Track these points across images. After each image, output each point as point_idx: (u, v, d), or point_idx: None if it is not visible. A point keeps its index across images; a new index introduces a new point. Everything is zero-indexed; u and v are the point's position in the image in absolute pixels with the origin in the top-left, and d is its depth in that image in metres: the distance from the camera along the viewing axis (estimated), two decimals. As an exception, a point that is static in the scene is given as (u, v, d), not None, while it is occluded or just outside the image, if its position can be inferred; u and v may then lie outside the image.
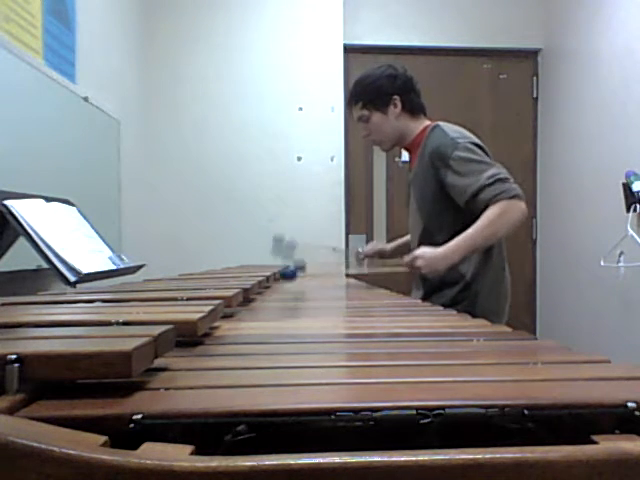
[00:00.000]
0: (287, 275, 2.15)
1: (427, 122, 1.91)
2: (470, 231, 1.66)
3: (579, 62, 3.50)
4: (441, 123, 1.86)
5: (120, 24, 3.09)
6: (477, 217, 1.67)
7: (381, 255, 2.21)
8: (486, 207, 1.65)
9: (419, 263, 1.70)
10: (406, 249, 1.95)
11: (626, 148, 3.03)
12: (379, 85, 1.85)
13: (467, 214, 1.71)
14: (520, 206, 1.66)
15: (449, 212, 1.78)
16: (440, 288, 1.83)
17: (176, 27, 3.49)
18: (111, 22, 2.95)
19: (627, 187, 2.90)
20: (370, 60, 3.76)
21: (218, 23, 3.51)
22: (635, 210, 2.89)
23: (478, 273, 1.81)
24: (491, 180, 1.66)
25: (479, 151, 1.74)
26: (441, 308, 1.19)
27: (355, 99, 1.89)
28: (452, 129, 1.82)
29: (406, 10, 3.76)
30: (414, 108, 1.89)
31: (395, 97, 1.85)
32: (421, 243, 1.81)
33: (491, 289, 1.83)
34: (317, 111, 3.54)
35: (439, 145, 1.75)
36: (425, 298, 1.81)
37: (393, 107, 1.86)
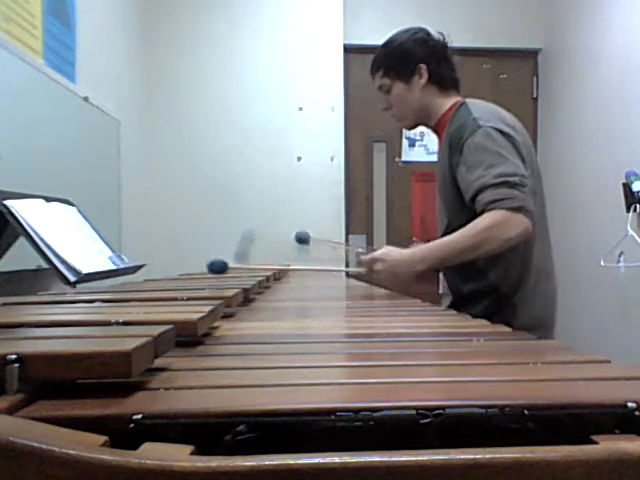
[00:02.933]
0: (215, 267, 1.52)
1: (457, 99, 1.60)
2: (447, 239, 1.40)
3: (579, 62, 3.50)
4: (469, 100, 1.56)
5: (120, 24, 3.09)
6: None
7: None
8: (482, 213, 1.38)
9: (377, 267, 1.43)
10: None
11: (626, 148, 3.03)
12: (404, 50, 1.58)
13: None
14: (521, 221, 1.36)
15: (469, 209, 1.47)
16: (468, 300, 1.56)
17: (176, 27, 3.49)
18: (111, 22, 2.95)
19: (627, 187, 2.90)
20: (370, 60, 3.76)
21: (218, 23, 3.51)
22: (635, 210, 2.89)
23: (514, 282, 1.52)
24: (498, 180, 1.37)
25: (501, 140, 1.42)
26: (441, 308, 1.19)
27: (376, 66, 1.65)
28: (480, 107, 1.51)
29: (406, 10, 3.75)
30: (443, 81, 1.59)
31: (421, 65, 1.57)
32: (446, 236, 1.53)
33: (533, 298, 1.53)
34: (317, 111, 3.54)
35: (459, 126, 1.47)
36: (453, 307, 1.52)
37: (418, 77, 1.57)
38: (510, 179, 1.37)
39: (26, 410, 0.40)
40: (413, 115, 1.62)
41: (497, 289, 1.52)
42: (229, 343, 0.74)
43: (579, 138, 3.49)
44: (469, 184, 1.41)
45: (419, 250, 1.42)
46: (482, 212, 1.37)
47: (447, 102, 1.59)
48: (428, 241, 1.48)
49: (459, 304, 1.57)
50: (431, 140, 3.82)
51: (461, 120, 1.48)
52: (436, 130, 1.63)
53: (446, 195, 1.55)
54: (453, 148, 1.46)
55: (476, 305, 1.52)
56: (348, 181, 3.68)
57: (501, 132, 1.43)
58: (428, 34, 1.60)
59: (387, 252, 1.44)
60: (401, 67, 1.59)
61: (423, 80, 1.57)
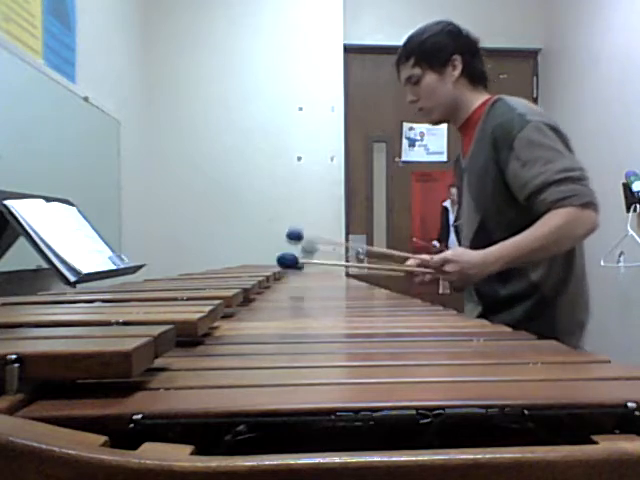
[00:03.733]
0: (287, 262, 1.47)
1: (487, 95, 1.55)
2: (519, 238, 1.33)
3: (579, 62, 3.50)
4: (505, 96, 1.51)
5: (120, 24, 3.09)
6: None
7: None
8: (547, 211, 1.32)
9: (450, 268, 1.37)
10: None
11: (626, 148, 3.03)
12: (438, 40, 1.52)
13: (532, 210, 1.38)
14: (591, 218, 1.32)
15: (512, 206, 1.42)
16: (507, 303, 1.45)
17: (176, 27, 3.50)
18: (111, 22, 2.95)
19: (627, 187, 2.90)
20: (370, 60, 3.76)
21: (218, 23, 3.51)
22: (635, 210, 2.89)
23: (558, 282, 1.44)
24: (561, 176, 1.31)
25: (552, 135, 1.38)
26: (441, 308, 1.19)
27: (406, 55, 1.55)
28: (520, 103, 1.46)
29: (406, 10, 3.75)
30: (475, 75, 1.53)
31: (455, 57, 1.50)
32: (475, 243, 1.47)
33: (573, 303, 1.46)
34: (317, 111, 3.54)
35: (503, 122, 1.40)
36: (485, 315, 1.45)
37: (451, 69, 1.50)
38: (572, 174, 1.33)
39: (26, 410, 0.40)
40: (442, 109, 1.54)
41: (539, 290, 1.43)
42: (229, 343, 0.74)
43: (579, 138, 3.48)
44: (526, 181, 1.34)
45: (491, 251, 1.35)
46: (547, 210, 1.32)
47: (478, 98, 1.53)
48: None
49: (493, 310, 1.46)
50: (431, 140, 3.82)
51: (504, 116, 1.41)
52: (463, 126, 1.56)
53: (482, 192, 1.47)
54: (499, 145, 1.39)
55: (515, 309, 1.43)
56: (348, 181, 3.68)
57: (550, 127, 1.39)
58: (458, 27, 1.56)
59: (459, 253, 1.40)
60: (435, 57, 1.51)
61: (457, 72, 1.51)
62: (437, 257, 1.40)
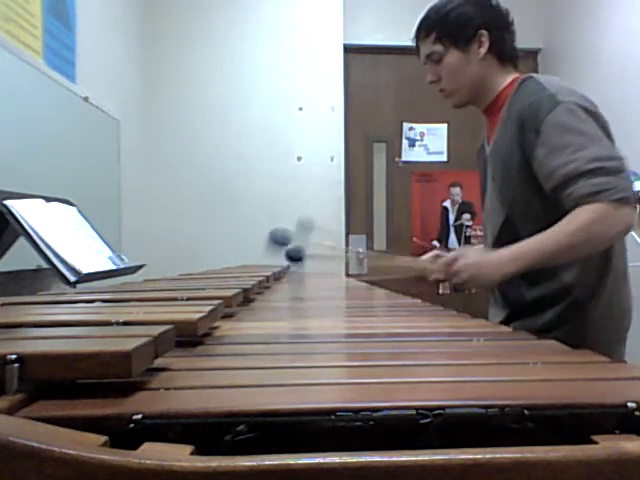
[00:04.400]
0: (293, 256, 1.38)
1: (516, 74, 1.37)
2: (541, 238, 1.16)
3: (579, 62, 3.50)
4: (537, 75, 1.34)
5: (120, 24, 3.09)
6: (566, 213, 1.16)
7: None
8: (575, 206, 1.14)
9: (459, 267, 1.22)
10: None
11: (626, 148, 3.03)
12: (463, 13, 1.33)
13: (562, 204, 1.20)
14: (627, 216, 1.15)
15: (539, 198, 1.24)
16: (535, 307, 1.29)
17: (176, 27, 3.50)
18: (111, 22, 2.95)
19: (627, 187, 2.90)
20: (370, 60, 3.76)
21: (218, 23, 3.51)
22: (635, 210, 2.88)
23: (592, 285, 1.27)
24: (593, 166, 1.14)
25: (588, 118, 1.20)
26: (441, 308, 1.19)
27: (427, 29, 1.36)
28: (553, 81, 1.28)
29: (406, 10, 3.75)
30: (505, 52, 1.36)
31: (482, 32, 1.33)
32: (501, 240, 1.31)
33: (611, 308, 1.28)
34: (317, 111, 3.54)
35: (531, 102, 1.23)
36: (511, 321, 1.32)
37: (477, 45, 1.33)
38: (608, 164, 1.15)
39: (26, 410, 0.40)
40: (467, 90, 1.37)
41: (571, 293, 1.26)
42: (229, 343, 0.74)
43: (579, 138, 3.50)
44: (552, 170, 1.17)
45: (508, 250, 1.20)
46: (575, 206, 1.15)
47: (506, 77, 1.35)
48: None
49: (519, 315, 1.31)
50: (431, 140, 3.82)
51: (533, 96, 1.24)
52: (488, 109, 1.39)
53: (507, 182, 1.30)
54: (526, 127, 1.22)
55: (543, 314, 1.27)
56: (348, 181, 3.68)
57: (586, 109, 1.21)
58: None
59: (470, 251, 1.28)
60: (459, 33, 1.33)
61: (483, 49, 1.33)
62: (444, 258, 1.26)
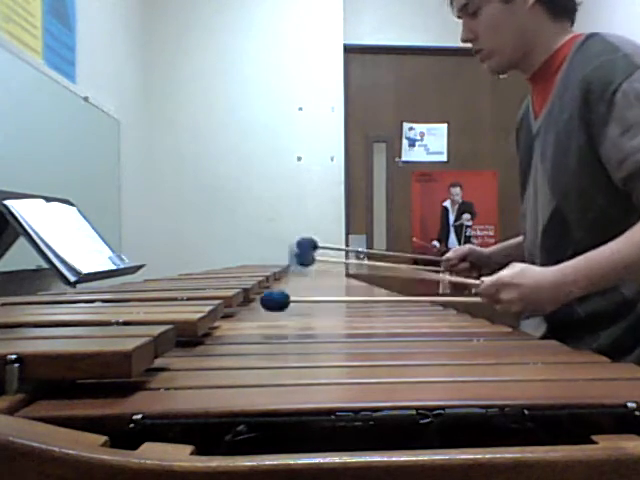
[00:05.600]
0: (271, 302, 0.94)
1: (573, 32, 1.10)
2: (610, 248, 0.90)
3: (579, 62, 3.50)
4: (604, 32, 1.04)
5: (120, 24, 3.09)
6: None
7: (472, 263, 1.40)
8: None
9: (507, 296, 0.89)
10: (513, 257, 1.11)
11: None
12: None
13: (632, 198, 0.95)
14: None
15: (602, 188, 0.99)
16: (587, 326, 1.03)
17: (176, 27, 3.49)
18: (111, 22, 2.95)
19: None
20: (370, 60, 3.76)
21: (218, 23, 3.51)
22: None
23: None
24: None
25: None
26: (441, 308, 1.19)
27: None
28: (627, 41, 1.00)
29: (406, 10, 3.75)
30: (558, 3, 1.08)
31: None
32: (547, 241, 1.08)
33: None
34: (317, 111, 3.54)
35: (601, 65, 0.96)
36: (554, 338, 0.91)
37: None
38: None
39: (26, 410, 0.40)
40: (510, 51, 1.10)
41: (635, 309, 1.02)
42: (229, 343, 0.74)
43: (579, 138, 3.49)
44: (628, 153, 0.92)
45: (569, 268, 0.91)
46: None
47: (562, 35, 1.09)
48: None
49: (566, 333, 0.94)
50: (431, 140, 3.82)
51: (603, 56, 0.97)
52: (537, 75, 1.12)
53: (562, 166, 1.04)
54: (593, 98, 0.96)
55: (597, 335, 1.02)
56: (348, 181, 3.68)
57: None
58: None
59: (518, 273, 0.90)
60: None
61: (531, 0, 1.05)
62: (488, 281, 0.91)
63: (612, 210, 0.98)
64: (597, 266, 0.90)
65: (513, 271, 0.91)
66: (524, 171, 1.18)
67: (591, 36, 1.04)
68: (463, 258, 1.39)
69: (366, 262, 1.73)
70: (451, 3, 1.15)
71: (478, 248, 1.46)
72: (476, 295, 0.96)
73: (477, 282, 0.95)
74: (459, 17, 1.14)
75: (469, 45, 1.16)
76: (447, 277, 1.40)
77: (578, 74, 1.00)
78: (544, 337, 0.99)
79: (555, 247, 1.00)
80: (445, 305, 1.20)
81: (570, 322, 1.03)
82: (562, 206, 1.04)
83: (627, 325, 1.01)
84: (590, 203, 1.00)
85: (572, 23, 1.12)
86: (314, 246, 1.25)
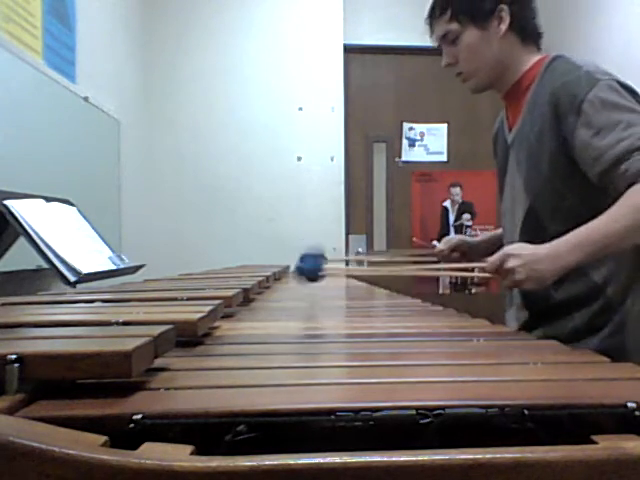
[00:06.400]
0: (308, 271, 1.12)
1: (540, 55, 1.28)
2: (598, 221, 1.01)
3: (579, 62, 3.50)
4: (566, 54, 1.23)
5: (120, 24, 3.09)
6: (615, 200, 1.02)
7: (462, 253, 1.49)
8: (630, 185, 1.02)
9: (513, 264, 1.00)
10: (498, 245, 1.22)
11: (626, 148, 3.03)
12: None
13: (601, 196, 1.07)
14: None
15: (573, 189, 1.14)
16: (562, 309, 1.17)
17: (176, 27, 3.49)
18: (111, 22, 2.95)
19: (627, 187, 2.90)
20: (370, 60, 3.76)
21: (218, 23, 3.51)
22: None
23: (628, 283, 1.15)
24: None
25: (628, 94, 1.10)
26: (440, 308, 1.19)
27: (442, 7, 1.25)
28: (587, 61, 1.18)
29: (406, 10, 3.75)
30: (526, 30, 1.26)
31: (502, 7, 1.21)
32: (523, 235, 1.21)
33: None
34: (317, 111, 3.54)
35: (567, 82, 1.12)
36: (532, 326, 1.19)
37: (497, 22, 1.22)
38: None
39: (26, 410, 0.40)
40: (487, 72, 1.26)
41: (603, 293, 1.14)
42: (229, 343, 0.74)
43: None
44: (602, 152, 1.05)
45: (563, 241, 1.02)
46: (631, 184, 1.02)
47: (530, 57, 1.26)
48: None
49: (544, 317, 1.19)
50: (431, 140, 3.82)
51: (568, 75, 1.13)
52: (510, 93, 1.29)
53: (535, 171, 1.18)
54: (562, 110, 1.11)
55: (572, 317, 1.15)
56: (348, 181, 3.68)
57: (625, 86, 1.11)
58: None
59: (520, 246, 1.06)
60: (477, 8, 1.22)
61: (503, 26, 1.22)
62: (494, 256, 1.04)
63: (582, 209, 1.09)
64: (588, 236, 1.02)
65: (514, 245, 1.06)
66: (502, 176, 1.33)
67: (556, 58, 1.21)
68: (454, 249, 1.48)
69: (366, 267, 1.71)
70: (431, 34, 1.30)
71: (468, 238, 1.56)
72: (482, 271, 1.06)
73: (480, 264, 1.08)
74: (439, 46, 1.30)
75: None
76: (449, 266, 1.48)
77: (547, 90, 1.16)
78: (526, 322, 1.21)
79: (531, 240, 1.09)
80: (445, 305, 1.20)
81: (547, 306, 1.18)
82: (535, 205, 1.19)
83: (598, 307, 1.14)
84: (562, 203, 1.15)
85: (539, 48, 1.28)
86: (321, 263, 1.17)
